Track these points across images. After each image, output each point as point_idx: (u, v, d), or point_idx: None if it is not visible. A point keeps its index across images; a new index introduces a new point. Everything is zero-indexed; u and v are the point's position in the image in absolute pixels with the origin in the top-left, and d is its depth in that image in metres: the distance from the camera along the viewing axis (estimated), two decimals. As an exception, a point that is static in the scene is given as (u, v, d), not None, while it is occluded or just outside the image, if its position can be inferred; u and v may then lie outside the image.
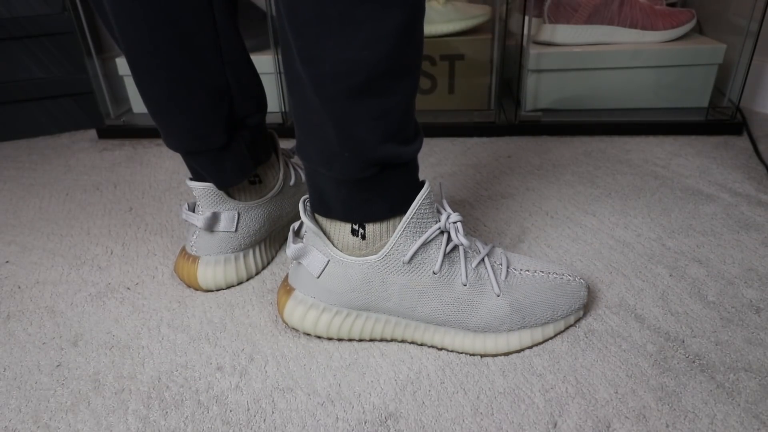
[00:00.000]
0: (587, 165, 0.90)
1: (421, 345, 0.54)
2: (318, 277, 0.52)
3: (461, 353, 0.52)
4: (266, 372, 0.51)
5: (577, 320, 0.56)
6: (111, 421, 0.47)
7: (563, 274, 0.55)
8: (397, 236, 0.49)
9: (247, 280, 0.64)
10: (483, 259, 0.52)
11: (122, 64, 1.11)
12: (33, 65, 1.09)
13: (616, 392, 0.48)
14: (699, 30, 1.11)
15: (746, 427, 0.44)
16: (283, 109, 1.10)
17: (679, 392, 0.47)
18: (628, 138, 1.00)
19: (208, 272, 0.61)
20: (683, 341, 0.53)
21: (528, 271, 0.54)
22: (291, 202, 0.67)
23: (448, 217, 0.51)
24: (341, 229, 0.52)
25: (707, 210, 0.75)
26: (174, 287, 0.64)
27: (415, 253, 0.50)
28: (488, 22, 1.07)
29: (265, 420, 0.47)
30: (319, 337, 0.55)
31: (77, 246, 0.74)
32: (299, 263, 0.54)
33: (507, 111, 1.08)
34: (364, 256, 0.51)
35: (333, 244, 0.52)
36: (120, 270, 0.68)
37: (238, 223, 0.60)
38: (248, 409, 0.48)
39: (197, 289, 0.63)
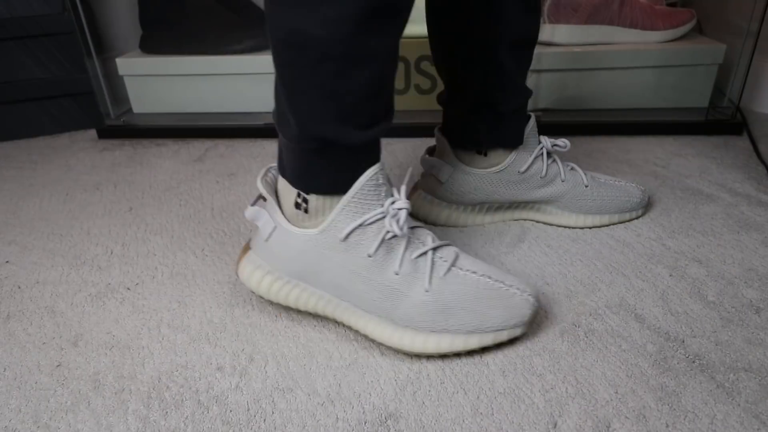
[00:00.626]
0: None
1: (349, 328, 0.54)
2: (266, 241, 0.54)
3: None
4: (266, 372, 0.52)
5: (512, 338, 0.52)
6: (111, 421, 0.47)
7: (511, 286, 0.51)
8: (336, 213, 0.50)
9: (451, 227, 0.74)
10: (426, 252, 0.51)
11: (122, 64, 1.11)
12: (33, 65, 1.09)
13: (616, 392, 0.48)
14: (699, 30, 1.11)
15: (746, 427, 0.44)
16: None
17: (679, 392, 0.47)
18: (628, 138, 1.00)
19: (421, 205, 0.73)
20: (683, 341, 0.53)
21: (474, 273, 0.52)
22: (513, 183, 0.71)
23: (393, 203, 0.50)
24: (289, 197, 0.53)
25: (707, 210, 0.75)
26: (174, 287, 0.64)
27: (352, 232, 0.50)
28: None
29: (265, 420, 0.47)
30: (263, 299, 0.57)
31: (77, 246, 0.74)
32: (257, 225, 0.56)
33: (507, 111, 1.07)
34: (305, 228, 0.53)
35: (282, 212, 0.53)
36: (120, 270, 0.68)
37: (449, 177, 0.70)
38: (248, 409, 0.48)
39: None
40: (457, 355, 0.52)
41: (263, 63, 1.08)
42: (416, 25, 1.03)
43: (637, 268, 0.64)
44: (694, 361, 0.50)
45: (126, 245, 0.73)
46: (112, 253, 0.72)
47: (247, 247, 0.58)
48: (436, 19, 0.64)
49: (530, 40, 0.64)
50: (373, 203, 0.50)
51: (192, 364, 0.53)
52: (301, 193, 0.52)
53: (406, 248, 0.51)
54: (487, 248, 0.69)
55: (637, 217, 0.73)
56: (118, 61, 1.11)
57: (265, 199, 0.55)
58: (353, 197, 0.49)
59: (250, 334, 0.56)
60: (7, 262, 0.71)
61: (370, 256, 0.50)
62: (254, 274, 0.56)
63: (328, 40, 0.44)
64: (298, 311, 0.59)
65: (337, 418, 0.47)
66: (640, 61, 1.00)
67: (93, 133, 1.15)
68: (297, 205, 0.53)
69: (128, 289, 0.64)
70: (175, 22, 1.11)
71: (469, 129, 0.68)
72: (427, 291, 0.50)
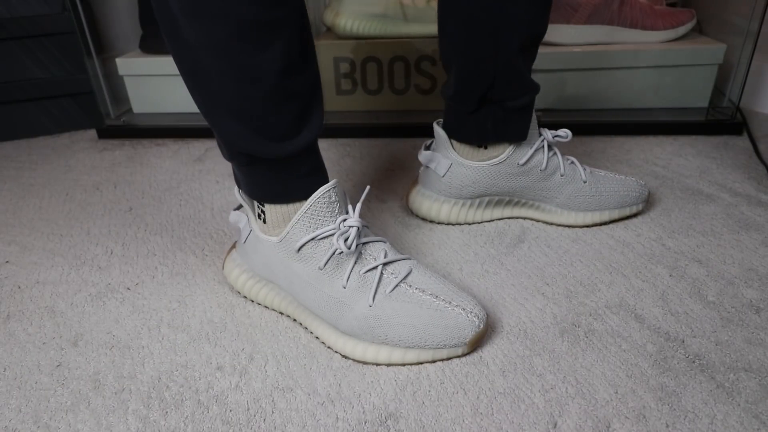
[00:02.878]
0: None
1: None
2: (243, 243, 0.59)
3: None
4: (266, 372, 0.52)
5: (452, 357, 0.52)
6: (111, 420, 0.47)
7: (457, 306, 0.52)
8: (290, 226, 0.53)
9: (440, 224, 0.74)
10: (377, 267, 0.53)
11: (122, 64, 1.11)
12: (33, 65, 1.09)
13: (616, 392, 0.48)
14: (699, 30, 1.11)
15: (746, 427, 0.44)
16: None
17: (679, 392, 0.47)
18: (628, 138, 1.00)
19: (416, 200, 0.74)
20: (683, 341, 0.53)
21: (421, 291, 0.53)
22: (513, 176, 0.71)
23: (344, 220, 0.52)
24: (254, 208, 0.58)
25: (707, 210, 0.75)
26: (174, 287, 0.64)
27: (305, 245, 0.53)
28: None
29: (265, 420, 0.47)
30: (243, 296, 0.62)
31: (77, 246, 0.74)
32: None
33: (507, 111, 1.07)
34: (269, 235, 0.56)
35: (255, 218, 0.58)
36: (120, 270, 0.68)
37: (447, 171, 0.70)
38: (248, 409, 0.48)
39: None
40: (456, 355, 0.52)
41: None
42: (416, 25, 1.04)
43: (637, 268, 0.64)
44: (694, 361, 0.50)
45: (126, 245, 0.73)
46: (112, 253, 0.72)
47: (233, 246, 0.64)
48: (448, 14, 0.64)
49: (540, 36, 0.64)
50: (327, 219, 0.53)
51: (192, 364, 0.53)
52: (258, 204, 0.57)
53: (356, 263, 0.53)
54: (486, 248, 0.69)
55: (637, 213, 0.73)
56: (118, 61, 1.11)
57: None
58: (306, 212, 0.52)
59: (250, 334, 0.56)
60: (7, 262, 0.71)
61: (320, 269, 0.53)
62: (233, 271, 0.61)
63: (213, 64, 0.46)
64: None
65: (337, 418, 0.47)
66: (640, 61, 1.00)
67: (93, 133, 1.15)
68: (258, 216, 0.58)
69: (128, 289, 0.64)
70: (175, 22, 1.11)
71: (475, 125, 0.68)
72: (370, 306, 0.52)
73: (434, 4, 1.04)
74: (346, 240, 0.51)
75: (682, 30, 1.02)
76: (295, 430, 0.46)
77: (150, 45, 1.13)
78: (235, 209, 0.60)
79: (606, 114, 1.04)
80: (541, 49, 1.01)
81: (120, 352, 0.55)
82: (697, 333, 0.54)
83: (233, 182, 0.89)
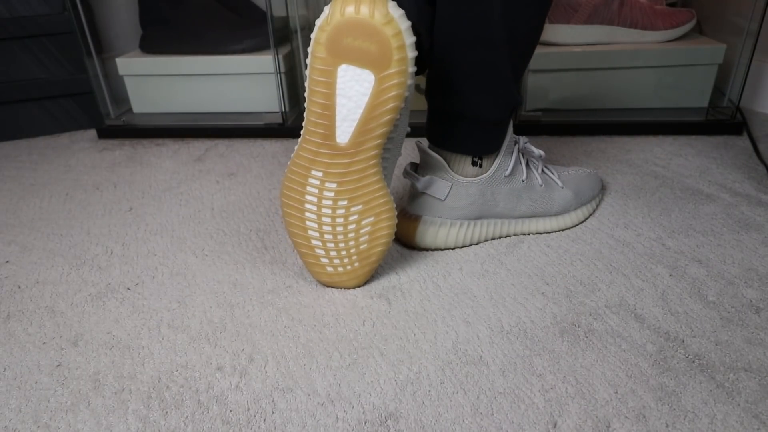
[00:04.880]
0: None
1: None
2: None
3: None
4: (266, 372, 0.52)
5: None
6: (111, 421, 0.47)
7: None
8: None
9: (452, 248, 0.71)
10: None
11: (122, 64, 1.11)
12: (33, 65, 1.09)
13: (616, 392, 0.48)
14: (699, 30, 1.11)
15: (746, 427, 0.44)
16: (283, 110, 1.10)
17: (679, 392, 0.47)
18: (628, 138, 1.00)
19: (426, 231, 0.70)
20: (683, 341, 0.53)
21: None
22: (503, 191, 0.69)
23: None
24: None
25: (707, 210, 0.75)
26: (174, 287, 0.64)
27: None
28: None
29: (265, 420, 0.47)
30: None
31: (77, 246, 0.74)
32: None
33: (507, 111, 1.07)
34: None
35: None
36: (120, 270, 0.68)
37: (448, 193, 0.69)
38: (248, 409, 0.48)
39: (413, 247, 0.71)
40: (457, 355, 0.52)
41: (263, 63, 1.08)
42: (416, 25, 1.03)
43: (637, 268, 0.64)
44: (694, 361, 0.50)
45: (126, 245, 0.73)
46: (112, 253, 0.72)
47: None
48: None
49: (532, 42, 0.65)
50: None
51: (192, 364, 0.53)
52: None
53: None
54: (486, 248, 0.69)
55: (596, 205, 0.77)
56: (118, 61, 1.11)
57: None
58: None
59: (250, 334, 0.56)
60: (7, 262, 0.71)
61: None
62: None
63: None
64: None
65: (337, 418, 0.47)
66: (640, 61, 1.00)
67: (93, 133, 1.15)
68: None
69: (128, 289, 0.64)
70: (174, 22, 1.11)
71: (453, 134, 0.67)
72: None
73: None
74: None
75: (682, 30, 1.02)
76: (295, 430, 0.46)
77: (150, 45, 1.13)
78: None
79: (606, 114, 1.04)
80: (541, 49, 1.01)
81: (120, 352, 0.55)
82: (697, 333, 0.54)
83: (233, 182, 0.90)
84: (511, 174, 0.68)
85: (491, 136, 0.66)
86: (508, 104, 0.64)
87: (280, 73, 1.08)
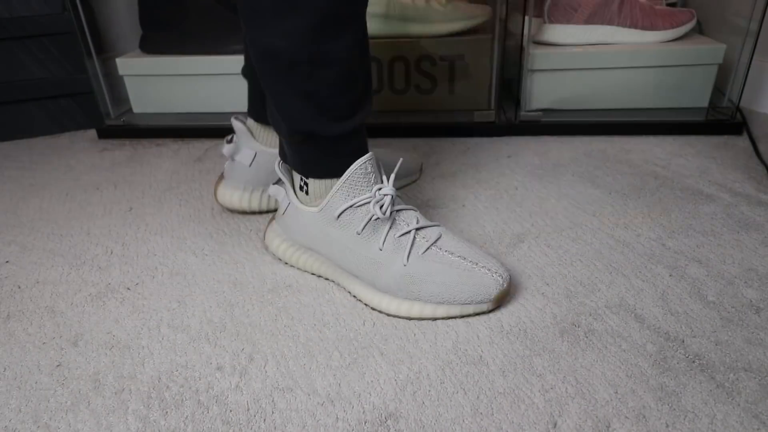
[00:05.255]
0: (587, 165, 0.90)
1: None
2: (283, 215, 0.65)
3: (366, 305, 0.60)
4: (266, 372, 0.52)
5: (478, 313, 0.57)
6: (111, 420, 0.47)
7: (483, 267, 0.57)
8: (330, 195, 0.58)
9: (253, 213, 0.77)
10: (410, 232, 0.58)
11: (122, 64, 1.11)
12: (33, 65, 1.09)
13: (616, 392, 0.48)
14: (699, 30, 1.11)
15: (746, 427, 0.44)
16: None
17: (679, 392, 0.47)
18: (628, 138, 1.00)
19: (225, 193, 0.77)
20: (683, 341, 0.53)
21: (450, 253, 0.58)
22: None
23: (379, 189, 0.58)
24: (296, 181, 0.63)
25: (707, 210, 0.75)
26: (174, 287, 0.64)
27: (343, 212, 0.58)
28: (488, 22, 1.07)
29: (265, 420, 0.47)
30: (283, 262, 0.66)
31: (77, 246, 0.74)
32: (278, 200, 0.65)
33: (507, 111, 1.07)
34: (309, 206, 0.62)
35: (294, 192, 0.63)
36: (120, 270, 0.68)
37: (253, 160, 0.73)
38: (248, 409, 0.48)
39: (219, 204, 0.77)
40: (458, 355, 0.52)
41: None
42: (416, 25, 1.04)
43: (637, 268, 0.64)
44: (694, 361, 0.50)
45: (126, 245, 0.73)
46: (112, 253, 0.72)
47: (271, 219, 0.69)
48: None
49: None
50: (363, 188, 0.58)
51: (192, 364, 0.53)
52: (302, 177, 0.62)
53: (391, 228, 0.58)
54: (486, 248, 0.69)
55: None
56: (118, 61, 1.11)
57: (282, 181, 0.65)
58: (345, 182, 0.57)
59: (250, 334, 0.56)
60: (7, 262, 0.71)
61: (358, 234, 0.58)
62: (274, 240, 0.67)
63: (291, 50, 0.52)
64: (309, 275, 0.59)
65: (337, 418, 0.47)
66: (640, 61, 1.00)
67: (93, 133, 1.15)
68: (300, 188, 0.63)
69: (128, 289, 0.64)
70: (175, 22, 1.11)
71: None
72: (404, 265, 0.57)
73: (434, 4, 1.04)
74: (381, 207, 0.57)
75: (682, 30, 1.02)
76: (295, 430, 0.46)
77: (150, 45, 1.13)
78: (274, 183, 0.65)
79: (606, 114, 1.04)
80: (542, 49, 1.01)
81: (120, 352, 0.55)
82: (697, 333, 0.54)
83: (233, 182, 0.89)
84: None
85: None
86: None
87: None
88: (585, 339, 0.54)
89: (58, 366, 0.53)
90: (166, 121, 1.12)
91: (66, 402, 0.49)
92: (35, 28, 1.06)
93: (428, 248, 0.58)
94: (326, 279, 0.64)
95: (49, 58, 1.10)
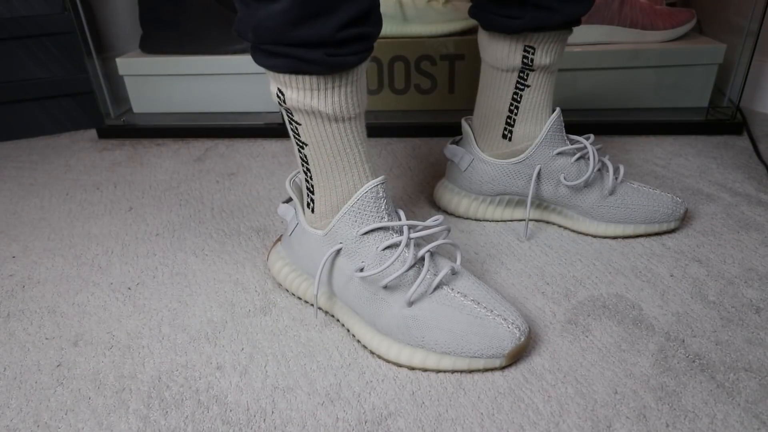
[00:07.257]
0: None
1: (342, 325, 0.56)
2: (289, 236, 0.60)
3: (364, 347, 0.54)
4: (266, 371, 0.52)
5: (489, 369, 0.50)
6: (111, 420, 0.47)
7: (499, 315, 0.49)
8: (336, 219, 0.52)
9: (478, 221, 0.75)
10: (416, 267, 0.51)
11: (122, 64, 1.11)
12: (33, 65, 1.09)
13: (616, 392, 0.48)
14: (699, 30, 1.11)
15: (746, 427, 0.44)
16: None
17: (679, 392, 0.47)
18: (628, 138, 1.00)
19: (443, 194, 0.77)
20: (683, 341, 0.53)
21: (463, 296, 0.51)
22: (530, 179, 0.70)
23: (389, 219, 0.52)
24: (304, 196, 0.58)
25: (707, 210, 0.75)
26: (174, 287, 0.64)
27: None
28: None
29: (265, 420, 0.47)
30: (281, 287, 0.60)
31: (77, 246, 0.74)
32: (286, 220, 0.61)
33: (507, 111, 1.07)
34: (315, 228, 0.56)
35: (303, 212, 0.58)
36: (120, 270, 0.68)
37: (468, 166, 0.73)
38: (248, 409, 0.48)
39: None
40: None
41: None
42: (416, 25, 1.04)
43: (637, 268, 0.64)
44: (694, 361, 0.50)
45: (126, 245, 0.73)
46: (112, 252, 0.72)
47: (277, 241, 0.65)
48: None
49: None
50: (373, 216, 0.51)
51: (192, 364, 0.53)
52: (308, 193, 0.56)
53: (397, 261, 0.51)
54: (487, 248, 0.69)
55: (669, 230, 0.69)
56: (118, 61, 1.11)
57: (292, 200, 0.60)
58: (352, 206, 0.51)
59: (250, 334, 0.56)
60: (13, 257, 0.71)
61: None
62: (276, 263, 0.62)
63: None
64: (306, 302, 0.59)
65: (337, 417, 0.47)
66: (640, 61, 1.00)
67: (93, 133, 1.15)
68: (307, 204, 0.57)
69: (129, 288, 0.64)
70: (175, 22, 1.11)
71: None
72: (409, 307, 0.50)
73: (434, 4, 1.04)
74: (415, 252, 0.50)
75: (682, 30, 1.02)
76: (295, 430, 0.46)
77: (150, 45, 1.13)
78: (284, 202, 0.61)
79: (606, 114, 1.04)
80: (541, 49, 1.01)
81: (120, 352, 0.55)
82: (697, 333, 0.54)
83: (233, 182, 0.90)
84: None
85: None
86: None
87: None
88: (585, 339, 0.54)
89: (58, 366, 0.53)
90: (166, 121, 1.12)
91: (66, 402, 0.49)
92: (35, 28, 1.06)
93: (438, 287, 0.51)
94: (326, 312, 0.58)
95: (50, 57, 1.10)
